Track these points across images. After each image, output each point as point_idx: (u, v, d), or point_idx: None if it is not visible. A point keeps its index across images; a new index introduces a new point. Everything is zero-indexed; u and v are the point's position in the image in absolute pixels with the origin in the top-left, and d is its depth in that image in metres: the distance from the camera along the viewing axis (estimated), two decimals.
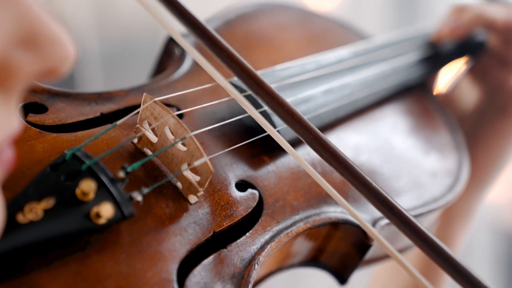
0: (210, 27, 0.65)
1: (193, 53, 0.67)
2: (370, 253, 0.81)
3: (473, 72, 1.07)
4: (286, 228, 0.72)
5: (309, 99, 0.82)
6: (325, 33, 1.03)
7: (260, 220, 0.71)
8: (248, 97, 0.73)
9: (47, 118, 0.68)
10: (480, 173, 1.04)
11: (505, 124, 1.03)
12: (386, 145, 0.90)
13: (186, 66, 0.82)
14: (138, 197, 0.60)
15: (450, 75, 1.13)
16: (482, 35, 1.07)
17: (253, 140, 0.75)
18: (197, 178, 0.65)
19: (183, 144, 0.65)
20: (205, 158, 0.64)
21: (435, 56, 1.04)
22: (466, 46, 1.08)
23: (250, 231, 0.70)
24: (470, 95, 1.08)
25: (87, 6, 1.60)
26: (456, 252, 1.05)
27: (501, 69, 1.03)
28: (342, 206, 0.65)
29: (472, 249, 2.25)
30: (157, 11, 0.68)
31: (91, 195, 0.57)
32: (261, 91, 0.65)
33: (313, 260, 0.82)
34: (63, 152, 0.60)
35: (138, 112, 0.67)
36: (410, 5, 2.11)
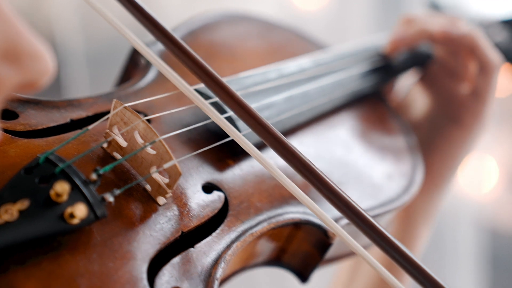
0: (177, 36, 0.69)
1: (156, 62, 0.70)
2: (331, 252, 0.84)
3: (424, 82, 1.13)
4: (251, 228, 0.75)
5: (272, 106, 0.86)
6: (286, 43, 1.07)
7: (225, 220, 0.74)
8: (213, 104, 0.77)
9: (18, 124, 0.70)
10: (436, 178, 1.09)
11: (457, 132, 1.08)
12: (344, 149, 0.95)
13: (152, 74, 0.85)
14: (110, 198, 0.62)
15: (403, 84, 1.18)
16: (428, 47, 1.13)
17: (219, 145, 0.79)
18: (166, 180, 0.68)
19: (152, 148, 0.68)
20: (174, 161, 0.67)
21: (387, 66, 1.10)
22: (415, 57, 1.14)
23: (217, 231, 0.73)
24: (423, 104, 1.13)
25: (73, 7, 1.61)
26: (418, 252, 1.10)
27: (450, 79, 1.09)
28: (305, 204, 0.69)
29: (457, 246, 2.31)
30: (119, 22, 0.71)
31: (65, 197, 0.59)
32: (226, 97, 0.68)
33: (276, 260, 0.85)
34: (36, 156, 0.62)
35: (108, 117, 0.69)
36: (395, 5, 2.16)
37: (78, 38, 1.66)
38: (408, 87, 1.17)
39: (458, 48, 1.05)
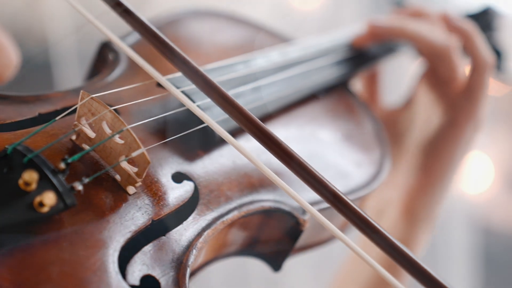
0: (155, 28, 0.70)
1: (131, 53, 0.72)
2: (302, 240, 0.86)
3: (418, 87, 1.12)
4: (222, 216, 0.76)
5: (239, 96, 0.87)
6: (252, 38, 1.09)
7: (196, 209, 0.75)
8: (184, 93, 0.78)
9: None
10: (435, 179, 1.10)
11: (452, 132, 1.09)
12: (313, 138, 0.96)
13: (120, 68, 0.86)
14: (79, 186, 0.63)
15: (407, 86, 1.18)
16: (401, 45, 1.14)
17: (189, 135, 0.79)
18: (135, 169, 0.69)
19: (120, 137, 0.69)
20: (142, 149, 0.68)
21: (356, 57, 1.11)
22: (384, 49, 1.15)
23: (187, 219, 0.74)
24: (420, 107, 1.13)
25: (66, 6, 1.61)
26: (419, 253, 1.11)
27: (440, 84, 1.08)
28: (281, 187, 0.70)
29: (451, 245, 2.32)
30: (89, 15, 0.72)
31: (34, 185, 0.59)
32: (203, 84, 0.70)
33: (248, 249, 0.86)
34: (4, 147, 0.63)
35: (76, 108, 0.70)
36: (390, 5, 2.18)
37: (70, 37, 1.66)
38: (405, 91, 1.18)
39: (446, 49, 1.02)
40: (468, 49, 1.07)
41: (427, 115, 1.12)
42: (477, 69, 1.06)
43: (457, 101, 1.07)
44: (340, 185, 0.87)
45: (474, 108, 1.07)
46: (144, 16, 0.76)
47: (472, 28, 1.08)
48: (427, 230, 1.12)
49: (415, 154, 1.11)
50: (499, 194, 2.42)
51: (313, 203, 0.78)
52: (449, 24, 1.09)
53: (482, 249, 2.40)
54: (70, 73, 1.72)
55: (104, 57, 0.89)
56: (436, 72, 1.07)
